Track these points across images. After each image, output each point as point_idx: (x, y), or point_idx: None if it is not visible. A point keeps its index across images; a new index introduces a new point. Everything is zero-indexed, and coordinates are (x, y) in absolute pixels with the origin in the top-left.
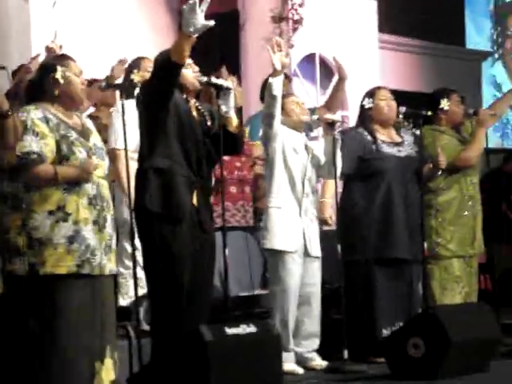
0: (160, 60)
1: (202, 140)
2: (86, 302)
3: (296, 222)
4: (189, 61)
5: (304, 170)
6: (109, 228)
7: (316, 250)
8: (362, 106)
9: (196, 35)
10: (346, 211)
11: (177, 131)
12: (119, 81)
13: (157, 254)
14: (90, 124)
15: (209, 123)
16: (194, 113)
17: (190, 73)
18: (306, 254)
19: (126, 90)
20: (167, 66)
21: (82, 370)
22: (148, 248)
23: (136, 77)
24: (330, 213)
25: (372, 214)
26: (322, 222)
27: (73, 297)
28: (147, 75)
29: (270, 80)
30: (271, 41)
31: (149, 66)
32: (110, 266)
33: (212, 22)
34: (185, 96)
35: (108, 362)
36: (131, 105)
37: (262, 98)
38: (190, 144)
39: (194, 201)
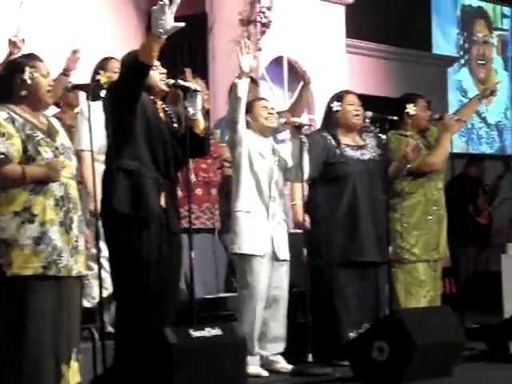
0: (128, 61)
1: (169, 142)
2: (52, 304)
3: (264, 226)
4: (156, 63)
5: (271, 174)
6: (76, 229)
7: (284, 253)
8: (329, 109)
9: (165, 37)
10: (311, 215)
11: (144, 133)
12: (83, 80)
13: (124, 257)
14: (56, 124)
15: (175, 125)
16: (161, 115)
17: (157, 74)
18: (274, 257)
19: (92, 91)
20: (135, 66)
21: (49, 371)
22: (115, 250)
23: (102, 78)
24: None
25: (337, 218)
26: (298, 224)
27: (39, 298)
28: (114, 76)
29: (236, 81)
30: (239, 43)
31: (115, 66)
32: (77, 268)
33: (182, 24)
34: (152, 98)
35: (74, 364)
36: (96, 106)
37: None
38: (157, 146)
39: (162, 202)
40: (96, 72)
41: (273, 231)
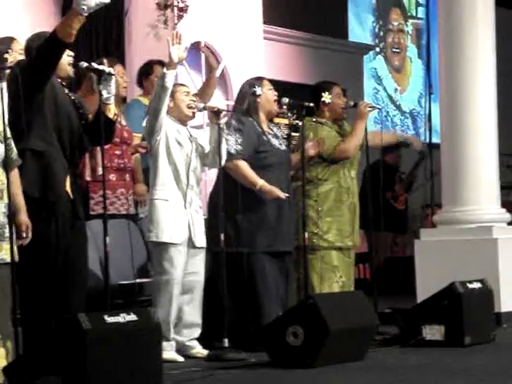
0: (44, 39)
1: (76, 126)
2: None
3: (181, 214)
4: None
5: (189, 162)
6: (1, 217)
7: (200, 241)
8: (251, 93)
9: (86, 14)
10: (230, 202)
11: (52, 114)
12: None
13: (30, 240)
14: None
15: (80, 111)
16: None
17: (65, 57)
18: (191, 245)
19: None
20: (52, 44)
21: None
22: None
23: (10, 57)
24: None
25: (263, 208)
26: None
27: None
28: (18, 57)
29: (165, 71)
30: (156, 28)
31: (19, 48)
32: (1, 255)
33: (107, 0)
34: (59, 81)
35: (0, 351)
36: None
37: (139, 83)
38: (65, 129)
39: (68, 187)
40: (1, 52)
41: (190, 219)
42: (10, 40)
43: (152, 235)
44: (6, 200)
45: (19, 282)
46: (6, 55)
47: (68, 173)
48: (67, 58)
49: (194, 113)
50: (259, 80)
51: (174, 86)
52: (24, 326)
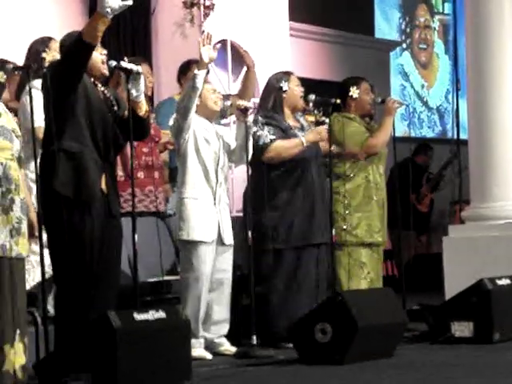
0: (71, 41)
1: (110, 124)
2: None
3: (211, 212)
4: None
5: (217, 159)
6: (18, 211)
7: (229, 238)
8: (278, 89)
9: (111, 16)
10: (258, 199)
11: (85, 114)
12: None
13: (65, 240)
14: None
15: (115, 108)
16: (102, 97)
17: (98, 56)
18: (220, 242)
19: (35, 70)
20: (79, 46)
21: None
22: (55, 233)
23: (48, 57)
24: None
25: (295, 202)
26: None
27: None
28: (56, 56)
29: (196, 72)
30: (182, 27)
31: (57, 47)
32: (17, 250)
33: (130, 2)
34: (92, 80)
35: (18, 346)
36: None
37: (178, 81)
38: (98, 128)
39: (103, 186)
40: (39, 51)
41: (219, 216)
42: (47, 40)
43: (183, 233)
44: (21, 195)
45: (54, 280)
46: (44, 54)
47: (103, 171)
48: (100, 56)
49: (219, 108)
50: (286, 75)
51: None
52: (56, 323)
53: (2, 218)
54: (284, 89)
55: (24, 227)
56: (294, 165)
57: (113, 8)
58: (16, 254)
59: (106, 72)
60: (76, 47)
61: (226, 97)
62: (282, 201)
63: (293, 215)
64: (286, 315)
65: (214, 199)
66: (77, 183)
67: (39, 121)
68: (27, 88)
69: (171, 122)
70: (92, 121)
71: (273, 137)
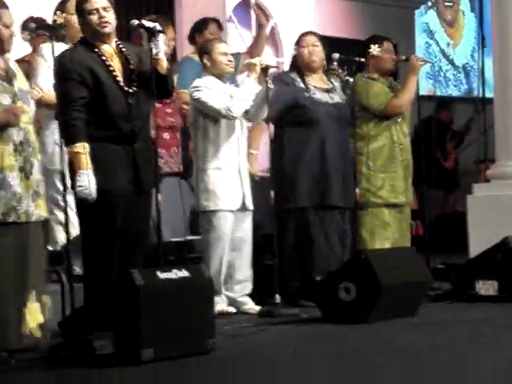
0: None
1: (125, 97)
2: (9, 249)
3: (235, 181)
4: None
5: (235, 123)
6: (36, 174)
7: (250, 203)
8: (294, 49)
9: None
10: (278, 159)
11: (102, 104)
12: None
13: (92, 202)
14: (14, 67)
15: (132, 66)
16: (115, 60)
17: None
18: (243, 208)
19: (55, 32)
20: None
21: (11, 319)
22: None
23: (59, 19)
24: (256, 167)
25: (304, 162)
26: (251, 175)
27: (0, 245)
28: (72, 18)
29: (253, 78)
30: None
31: (73, 7)
32: (38, 213)
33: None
34: (99, 47)
35: (33, 306)
36: (59, 47)
37: (190, 39)
38: (117, 111)
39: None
40: (55, 12)
41: (242, 184)
42: (64, 0)
43: (209, 205)
44: (39, 157)
45: (82, 240)
46: (55, 17)
47: (132, 154)
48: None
49: (231, 70)
50: (299, 37)
51: (212, 43)
52: (85, 282)
53: (25, 184)
54: (292, 53)
55: (42, 189)
56: (306, 125)
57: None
58: (37, 217)
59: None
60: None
61: (237, 55)
62: (291, 161)
63: (301, 175)
64: (305, 275)
65: (238, 167)
66: (101, 178)
67: (49, 84)
68: (41, 50)
69: (198, 95)
70: (110, 108)
71: (286, 97)
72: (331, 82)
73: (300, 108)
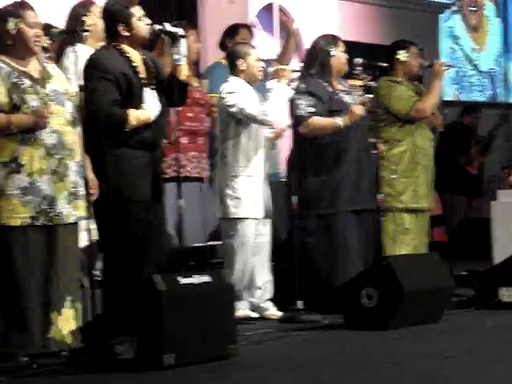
0: (114, 113)
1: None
2: (42, 253)
3: (261, 188)
4: (141, 12)
5: (262, 132)
6: (73, 175)
7: (271, 211)
8: (327, 53)
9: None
10: (306, 165)
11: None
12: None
13: (111, 204)
14: (52, 69)
15: (153, 74)
16: (140, 65)
17: (143, 25)
18: (266, 216)
19: (78, 35)
20: (118, 122)
21: (36, 319)
22: (102, 198)
23: (88, 20)
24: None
25: (342, 167)
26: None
27: (28, 248)
28: (97, 20)
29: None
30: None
31: (97, 11)
32: (76, 214)
33: None
34: (128, 51)
35: (67, 312)
36: (83, 49)
37: (221, 45)
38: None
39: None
40: (80, 15)
41: (266, 192)
42: (89, 3)
43: (239, 212)
44: (77, 158)
45: (101, 246)
46: (84, 18)
47: (153, 161)
48: (144, 26)
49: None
50: (334, 39)
51: (247, 48)
52: (104, 288)
53: (59, 186)
54: (332, 53)
55: (81, 190)
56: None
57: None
58: (75, 218)
59: (147, 41)
60: (114, 121)
61: (267, 61)
62: (326, 166)
63: (337, 181)
64: (331, 281)
65: (263, 175)
66: (120, 184)
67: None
68: (67, 52)
69: (235, 100)
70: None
71: (311, 109)
72: (343, 84)
73: (335, 113)
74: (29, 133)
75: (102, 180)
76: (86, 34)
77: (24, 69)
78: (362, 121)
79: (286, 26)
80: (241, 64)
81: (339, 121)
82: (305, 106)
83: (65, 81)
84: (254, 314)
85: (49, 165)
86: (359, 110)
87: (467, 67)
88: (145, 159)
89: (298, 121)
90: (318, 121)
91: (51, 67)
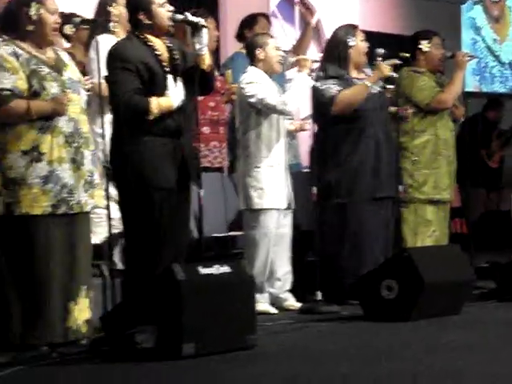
0: (138, 102)
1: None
2: (63, 241)
3: (284, 179)
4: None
5: (283, 123)
6: (88, 164)
7: (293, 202)
8: (345, 43)
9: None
10: (326, 155)
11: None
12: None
13: (135, 195)
14: (65, 57)
15: (177, 62)
16: (164, 53)
17: (164, 12)
18: (287, 207)
19: (102, 25)
20: (140, 113)
21: (57, 307)
22: (125, 188)
23: (114, 10)
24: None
25: (361, 155)
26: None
27: (48, 236)
28: (122, 10)
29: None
30: None
31: (123, 1)
32: (92, 202)
33: None
34: (148, 43)
35: (83, 301)
36: (107, 39)
37: (238, 36)
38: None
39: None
40: (106, 5)
41: (288, 182)
42: None
43: (262, 203)
44: (91, 147)
45: (125, 235)
46: (110, 8)
47: (179, 148)
48: (166, 13)
49: (281, 69)
50: (353, 29)
51: (265, 38)
52: (125, 277)
53: (77, 175)
54: (351, 44)
55: (97, 179)
56: (357, 118)
57: None
58: (91, 207)
59: (171, 28)
60: (136, 110)
61: (286, 52)
62: (344, 155)
63: (355, 169)
64: (351, 272)
65: (284, 165)
66: (143, 172)
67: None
68: (93, 43)
69: (254, 91)
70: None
71: (339, 88)
72: (362, 72)
73: None
74: (48, 120)
75: (125, 169)
76: (112, 24)
77: (42, 56)
78: (382, 108)
79: (304, 18)
80: (259, 53)
81: (365, 81)
82: (330, 88)
83: (77, 70)
84: (274, 310)
85: (67, 153)
86: (386, 69)
87: (489, 58)
88: (169, 147)
89: (327, 104)
90: (346, 93)
91: (64, 56)
